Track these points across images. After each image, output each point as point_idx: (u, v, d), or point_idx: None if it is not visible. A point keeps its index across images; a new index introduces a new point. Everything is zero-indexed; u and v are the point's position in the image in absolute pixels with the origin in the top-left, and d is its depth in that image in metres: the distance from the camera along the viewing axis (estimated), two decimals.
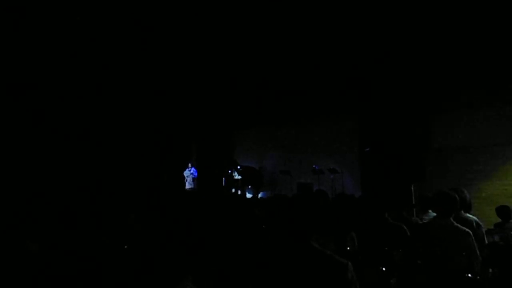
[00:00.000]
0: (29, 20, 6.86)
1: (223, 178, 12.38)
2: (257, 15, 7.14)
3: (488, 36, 7.19)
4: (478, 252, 2.98)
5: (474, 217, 3.74)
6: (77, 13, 6.82)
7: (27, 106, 8.59)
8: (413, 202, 7.62)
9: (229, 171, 12.32)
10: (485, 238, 3.63)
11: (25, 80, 8.23)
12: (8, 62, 7.68)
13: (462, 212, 3.62)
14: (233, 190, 12.02)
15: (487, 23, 6.93)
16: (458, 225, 2.93)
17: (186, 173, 12.53)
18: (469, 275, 2.63)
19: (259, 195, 11.80)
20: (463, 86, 8.55)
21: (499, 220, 4.83)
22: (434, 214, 4.41)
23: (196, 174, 12.56)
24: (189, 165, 12.66)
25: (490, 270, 3.16)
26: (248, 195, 11.43)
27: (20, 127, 8.63)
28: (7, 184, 7.54)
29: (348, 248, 3.44)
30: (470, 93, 8.62)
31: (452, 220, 3.03)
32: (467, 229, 2.93)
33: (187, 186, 12.45)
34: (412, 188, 8.30)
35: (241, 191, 11.96)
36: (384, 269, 2.79)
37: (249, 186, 12.20)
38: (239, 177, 12.18)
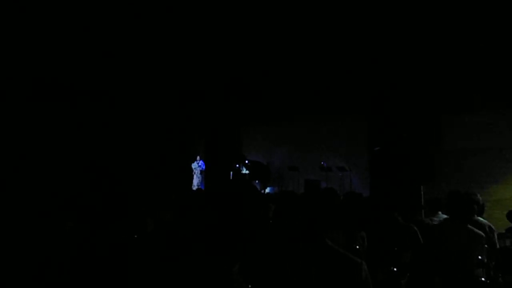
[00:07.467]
0: (30, 20, 6.89)
1: (231, 172, 12.39)
2: (270, 12, 7.12)
3: (504, 36, 7.11)
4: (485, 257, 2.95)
5: (486, 221, 3.71)
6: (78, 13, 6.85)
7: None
8: (422, 203, 7.57)
9: (237, 165, 12.32)
10: (497, 242, 3.60)
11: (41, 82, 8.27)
12: (18, 61, 7.72)
13: (475, 215, 3.59)
14: None
15: (502, 25, 6.85)
16: (473, 228, 2.91)
17: (194, 165, 12.59)
18: (482, 279, 2.61)
19: (266, 190, 11.80)
20: (476, 87, 8.45)
21: (508, 224, 4.79)
22: (444, 216, 4.39)
23: (204, 167, 12.60)
24: (197, 157, 12.71)
25: (500, 275, 3.14)
26: None
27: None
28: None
29: (358, 247, 3.43)
30: (483, 94, 8.51)
31: (466, 223, 3.01)
32: (481, 232, 2.91)
33: (195, 178, 12.50)
34: (422, 189, 8.24)
35: None
36: (395, 269, 2.78)
37: (256, 181, 12.19)
38: (247, 171, 12.18)
